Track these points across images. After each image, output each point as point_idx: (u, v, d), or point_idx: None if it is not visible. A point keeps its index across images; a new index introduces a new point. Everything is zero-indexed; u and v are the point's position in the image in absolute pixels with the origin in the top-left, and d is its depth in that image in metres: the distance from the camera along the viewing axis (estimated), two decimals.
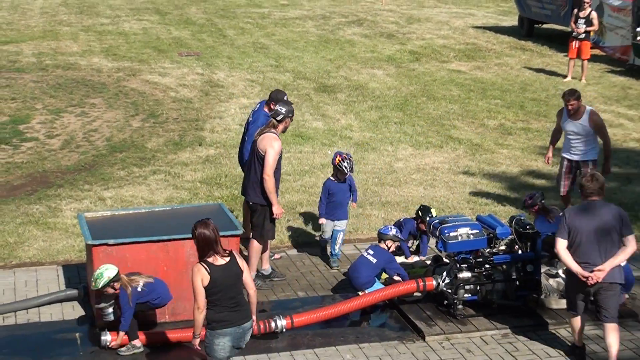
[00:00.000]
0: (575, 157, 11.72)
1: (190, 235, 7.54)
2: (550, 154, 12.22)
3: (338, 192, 10.83)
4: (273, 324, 9.08)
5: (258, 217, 10.09)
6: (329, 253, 11.00)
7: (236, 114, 17.40)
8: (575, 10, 20.92)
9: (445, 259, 9.99)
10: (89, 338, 9.12)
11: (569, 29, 21.19)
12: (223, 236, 8.89)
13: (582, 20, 20.60)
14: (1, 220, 12.04)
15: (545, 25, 26.90)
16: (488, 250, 9.73)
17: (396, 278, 10.01)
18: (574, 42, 20.73)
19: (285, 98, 10.78)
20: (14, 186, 13.51)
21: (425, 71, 21.87)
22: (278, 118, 10.02)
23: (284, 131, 10.17)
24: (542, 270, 9.76)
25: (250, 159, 10.13)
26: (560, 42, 24.56)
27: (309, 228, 12.06)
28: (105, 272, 8.65)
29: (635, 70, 21.73)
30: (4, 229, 11.73)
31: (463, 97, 19.36)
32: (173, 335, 8.92)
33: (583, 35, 20.64)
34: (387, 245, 10.19)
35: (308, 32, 26.69)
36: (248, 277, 7.61)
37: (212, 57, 22.69)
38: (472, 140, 16.22)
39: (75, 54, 22.54)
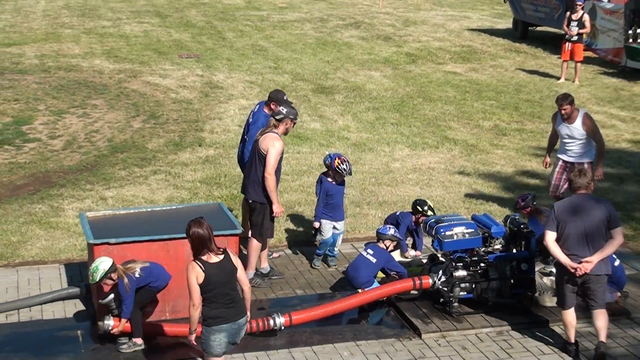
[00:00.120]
0: (571, 159, 11.67)
1: None
2: (548, 159, 12.23)
3: (336, 193, 10.82)
4: (272, 322, 9.15)
5: (257, 216, 10.12)
6: (318, 252, 10.97)
7: (235, 115, 17.49)
8: (568, 13, 20.99)
9: (441, 258, 10.04)
10: (90, 335, 9.17)
11: (563, 32, 21.31)
12: (222, 235, 9.09)
13: (575, 23, 20.67)
14: (4, 219, 12.12)
15: (539, 28, 26.99)
16: (483, 249, 9.83)
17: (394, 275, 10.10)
18: (567, 44, 20.82)
19: (284, 98, 10.76)
20: (17, 186, 13.58)
21: (422, 73, 21.97)
22: (277, 117, 10.00)
23: (285, 133, 10.15)
24: (536, 268, 9.86)
25: (252, 158, 10.11)
26: (553, 44, 24.61)
27: (307, 227, 12.09)
28: (101, 264, 8.70)
29: (627, 72, 21.81)
30: (7, 228, 11.81)
31: (458, 98, 19.45)
32: (170, 329, 8.99)
33: (576, 38, 20.72)
34: (385, 245, 10.20)
35: (306, 34, 26.77)
36: (242, 274, 7.65)
37: (212, 59, 22.77)
38: (468, 140, 16.32)
39: (77, 56, 22.62)
